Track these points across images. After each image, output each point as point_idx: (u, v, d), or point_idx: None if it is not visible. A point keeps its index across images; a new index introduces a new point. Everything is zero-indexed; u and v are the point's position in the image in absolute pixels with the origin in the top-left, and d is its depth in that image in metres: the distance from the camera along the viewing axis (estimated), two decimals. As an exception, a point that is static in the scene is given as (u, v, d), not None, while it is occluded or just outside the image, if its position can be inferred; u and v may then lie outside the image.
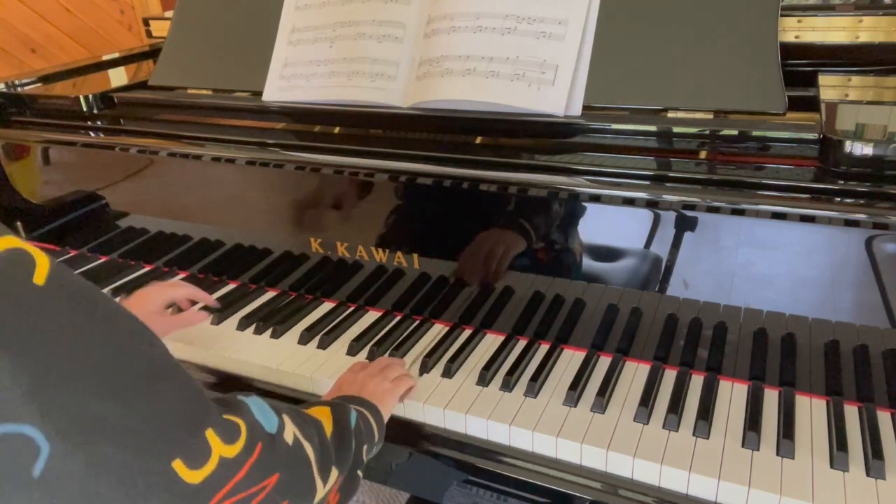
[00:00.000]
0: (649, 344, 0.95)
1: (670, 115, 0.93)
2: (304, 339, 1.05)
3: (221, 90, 1.23)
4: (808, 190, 0.80)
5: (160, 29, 1.60)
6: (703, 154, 0.90)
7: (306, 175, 1.06)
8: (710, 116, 0.91)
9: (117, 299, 1.12)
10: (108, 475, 0.46)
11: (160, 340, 0.53)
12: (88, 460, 0.45)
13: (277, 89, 1.14)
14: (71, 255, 1.35)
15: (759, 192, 0.81)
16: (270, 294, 1.18)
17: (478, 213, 0.97)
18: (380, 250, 1.06)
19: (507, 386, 0.92)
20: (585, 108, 0.96)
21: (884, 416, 0.84)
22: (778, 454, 0.79)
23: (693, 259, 0.87)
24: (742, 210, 0.81)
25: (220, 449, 0.53)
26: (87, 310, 0.49)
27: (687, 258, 0.87)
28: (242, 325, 1.09)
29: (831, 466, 0.77)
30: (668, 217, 0.86)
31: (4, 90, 1.33)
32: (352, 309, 1.12)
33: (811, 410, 0.85)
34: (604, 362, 0.96)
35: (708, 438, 0.82)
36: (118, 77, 1.48)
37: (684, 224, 0.85)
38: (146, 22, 1.64)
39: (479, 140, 1.01)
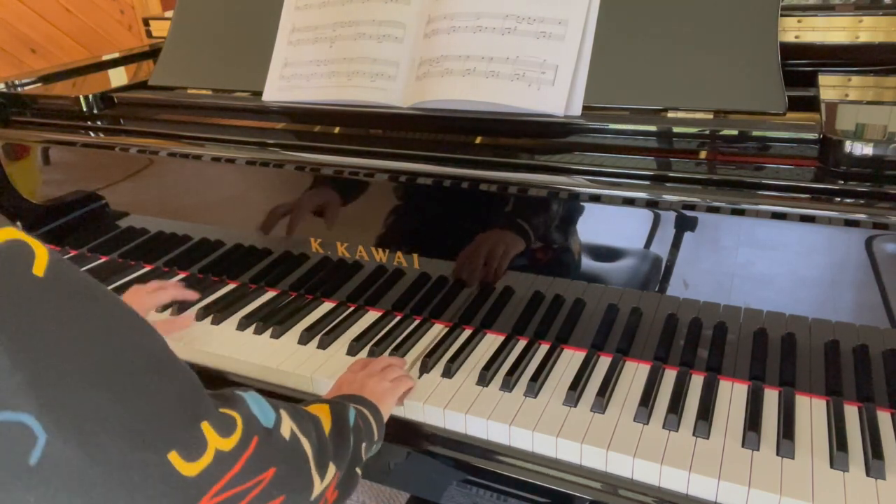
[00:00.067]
0: (649, 344, 0.95)
1: (670, 115, 0.93)
2: (304, 339, 1.05)
3: (221, 90, 1.23)
4: (808, 190, 0.80)
5: (160, 29, 1.60)
6: (703, 154, 0.90)
7: (306, 175, 1.06)
8: (710, 116, 0.91)
9: None
10: (103, 465, 0.47)
11: (158, 333, 0.54)
12: (84, 450, 0.46)
13: (277, 89, 1.14)
14: (71, 255, 1.35)
15: (759, 192, 0.81)
16: (270, 294, 1.18)
17: (478, 214, 0.97)
18: (380, 250, 1.06)
19: (507, 386, 0.92)
20: (585, 108, 0.96)
21: (884, 416, 0.84)
22: (778, 454, 0.79)
23: (693, 259, 0.87)
24: (742, 210, 0.81)
25: (216, 442, 0.53)
26: (86, 301, 0.49)
27: (687, 258, 0.87)
28: (242, 325, 1.09)
29: (831, 466, 0.77)
30: (668, 217, 0.86)
31: (4, 90, 1.33)
32: (352, 309, 1.12)
33: (811, 410, 0.85)
34: (604, 362, 0.96)
35: (708, 438, 0.82)
36: (118, 77, 1.48)
37: (684, 224, 0.85)
38: (146, 22, 1.64)
39: (479, 140, 1.01)
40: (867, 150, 0.78)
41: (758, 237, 0.82)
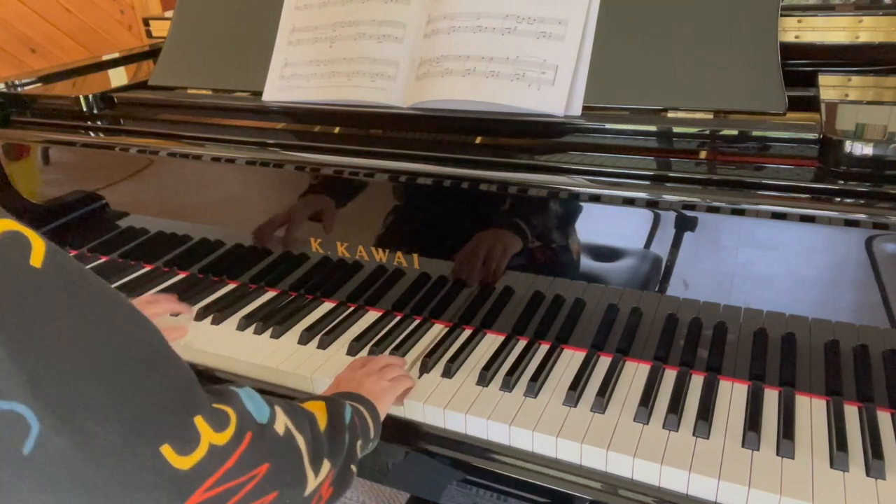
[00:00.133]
0: (649, 344, 0.95)
1: (670, 115, 0.93)
2: (304, 339, 1.05)
3: (221, 90, 1.23)
4: (808, 190, 0.80)
5: (160, 29, 1.60)
6: (703, 154, 0.90)
7: (306, 175, 1.06)
8: (710, 116, 0.91)
9: None
10: (96, 456, 0.47)
11: (155, 327, 0.54)
12: (78, 441, 0.46)
13: (277, 89, 1.14)
14: (71, 255, 1.34)
15: (759, 192, 0.81)
16: (270, 294, 1.18)
17: (477, 213, 0.97)
18: (380, 250, 1.06)
19: (507, 386, 0.92)
20: (585, 108, 0.96)
21: (884, 416, 0.84)
22: (778, 454, 0.79)
23: (693, 259, 0.87)
24: (742, 210, 0.81)
25: (210, 436, 0.53)
26: (83, 293, 0.49)
27: (687, 258, 0.87)
28: (242, 325, 1.09)
29: (831, 466, 0.77)
30: (668, 217, 0.86)
31: (4, 90, 1.33)
32: (352, 309, 1.12)
33: (811, 410, 0.85)
34: (604, 362, 0.96)
35: (708, 438, 0.82)
36: (118, 77, 1.48)
37: (684, 224, 0.85)
38: (146, 22, 1.64)
39: (478, 140, 1.01)
40: (867, 150, 0.78)
41: (758, 237, 0.82)
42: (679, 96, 0.93)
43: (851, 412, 0.84)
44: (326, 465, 0.66)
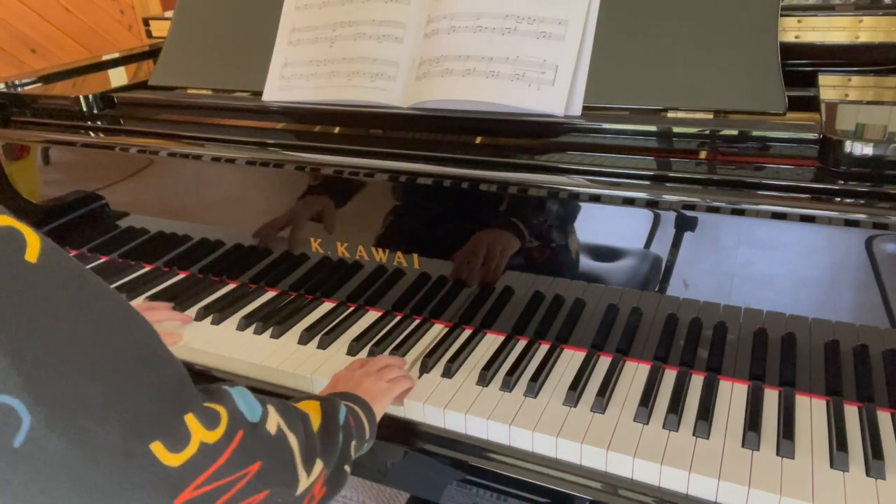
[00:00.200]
0: (649, 344, 0.95)
1: (670, 115, 0.93)
2: (304, 339, 1.05)
3: (221, 90, 1.23)
4: (808, 190, 0.80)
5: (160, 29, 1.60)
6: (703, 154, 0.90)
7: (306, 175, 1.06)
8: (710, 116, 0.91)
9: None
10: (86, 451, 0.47)
11: (151, 326, 0.54)
12: (68, 435, 0.46)
13: (277, 89, 1.14)
14: (71, 255, 1.34)
15: (759, 192, 0.81)
16: (270, 294, 1.18)
17: (477, 213, 0.97)
18: (380, 250, 1.06)
19: (507, 386, 0.92)
20: (585, 108, 0.96)
21: (884, 416, 0.84)
22: (778, 454, 0.79)
23: (693, 259, 0.87)
24: (742, 210, 0.81)
25: (201, 434, 0.53)
26: (78, 289, 0.50)
27: (687, 258, 0.87)
28: (242, 326, 1.09)
29: (831, 466, 0.77)
30: (668, 217, 0.86)
31: (4, 90, 1.33)
32: (352, 309, 1.12)
33: (811, 410, 0.85)
34: (604, 362, 0.96)
35: (708, 438, 0.82)
36: (118, 77, 1.48)
37: (684, 224, 0.85)
38: (146, 22, 1.64)
39: (479, 140, 1.01)
40: (867, 150, 0.78)
41: (758, 237, 0.82)
42: (679, 96, 0.93)
43: (851, 412, 0.84)
44: (319, 465, 0.66)
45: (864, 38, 1.01)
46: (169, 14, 1.38)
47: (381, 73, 1.06)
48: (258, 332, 1.08)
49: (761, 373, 0.89)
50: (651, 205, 0.86)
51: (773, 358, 0.88)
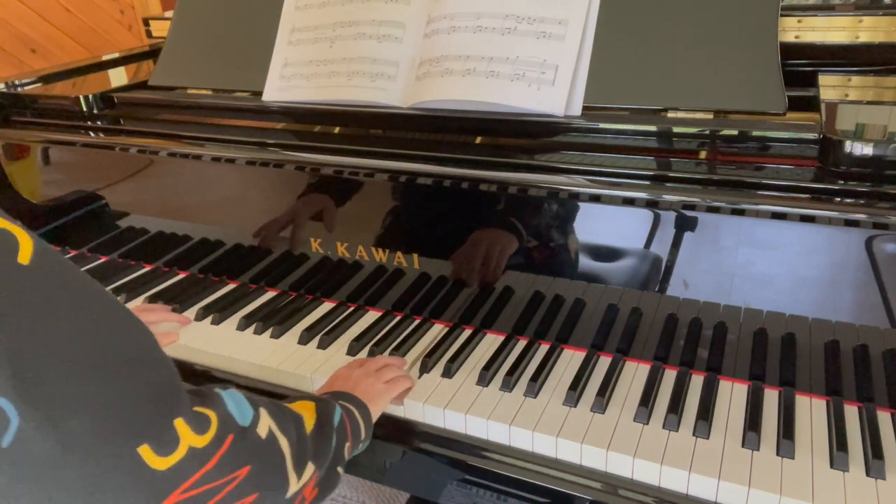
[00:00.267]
0: (649, 344, 0.95)
1: (670, 115, 0.93)
2: (304, 339, 1.05)
3: (221, 90, 1.23)
4: (808, 190, 0.80)
5: (160, 29, 1.60)
6: (703, 154, 0.90)
7: (306, 175, 1.06)
8: (710, 116, 0.91)
9: None
10: (74, 453, 0.47)
11: (145, 328, 0.54)
12: (56, 436, 0.46)
13: (277, 89, 1.14)
14: (71, 255, 1.35)
15: (759, 192, 0.81)
16: (270, 294, 1.18)
17: (477, 214, 0.97)
18: (380, 250, 1.06)
19: (507, 386, 0.92)
20: (585, 108, 0.96)
21: (884, 416, 0.84)
22: (778, 454, 0.79)
23: (693, 259, 0.87)
24: (742, 210, 0.81)
25: (190, 439, 0.53)
26: (71, 291, 0.50)
27: (687, 258, 0.87)
28: (242, 326, 1.09)
29: (831, 466, 0.77)
30: (668, 217, 0.86)
31: (4, 90, 1.33)
32: (352, 309, 1.12)
33: (811, 410, 0.85)
34: (604, 362, 0.96)
35: (708, 438, 0.82)
36: (118, 77, 1.48)
37: (684, 224, 0.85)
38: (146, 22, 1.64)
39: (478, 140, 1.01)
40: (867, 150, 0.78)
41: (758, 237, 0.82)
42: (679, 96, 0.93)
43: (851, 412, 0.84)
44: (310, 468, 0.66)
45: (864, 38, 1.01)
46: (169, 14, 1.38)
47: (381, 73, 1.06)
48: (258, 332, 1.08)
49: (761, 373, 0.89)
50: (651, 205, 0.86)
51: (773, 358, 0.88)
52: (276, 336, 1.07)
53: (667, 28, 0.95)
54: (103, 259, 1.33)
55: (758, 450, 0.80)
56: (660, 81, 0.94)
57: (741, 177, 0.83)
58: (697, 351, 0.92)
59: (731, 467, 0.77)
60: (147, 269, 1.29)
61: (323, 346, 1.04)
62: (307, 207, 1.09)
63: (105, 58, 1.56)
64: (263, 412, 0.63)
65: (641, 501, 0.80)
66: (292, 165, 1.06)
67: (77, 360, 0.48)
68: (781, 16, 0.93)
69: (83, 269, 1.29)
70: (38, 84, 1.39)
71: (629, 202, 0.86)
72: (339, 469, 0.74)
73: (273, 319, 1.10)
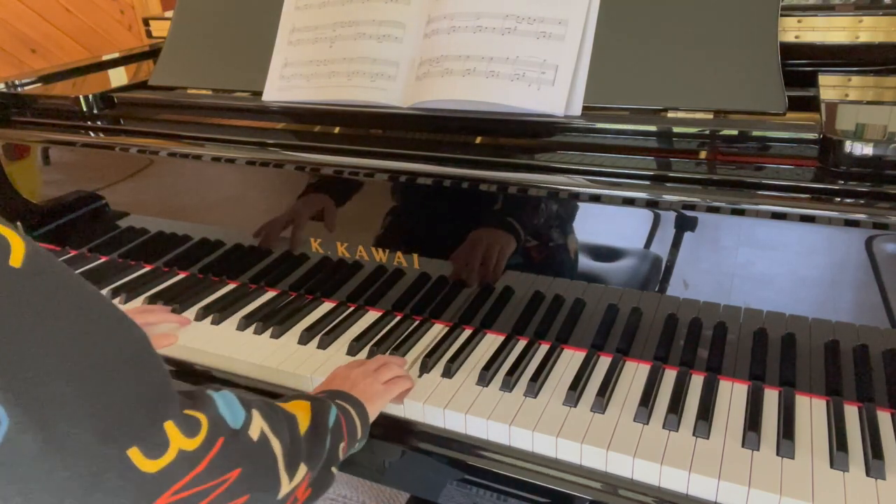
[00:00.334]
0: (649, 344, 0.95)
1: (670, 115, 0.93)
2: (304, 339, 1.05)
3: (221, 90, 1.23)
4: (808, 190, 0.80)
5: (160, 29, 1.60)
6: (703, 154, 0.90)
7: (306, 175, 1.06)
8: (710, 116, 0.91)
9: None
10: (63, 454, 0.47)
11: (140, 330, 0.55)
12: (46, 438, 0.46)
13: (277, 89, 1.14)
14: (71, 255, 1.35)
15: (759, 192, 0.81)
16: (270, 294, 1.18)
17: (477, 213, 0.97)
18: (380, 250, 1.06)
19: (508, 386, 0.92)
20: (585, 108, 0.96)
21: (884, 416, 0.84)
22: (778, 454, 0.79)
23: (693, 259, 0.87)
24: (742, 210, 0.81)
25: (180, 442, 0.53)
26: (63, 294, 0.50)
27: (687, 258, 0.87)
28: (242, 325, 1.09)
29: (831, 466, 0.77)
30: (668, 217, 0.86)
31: (4, 90, 1.33)
32: (352, 309, 1.12)
33: (811, 410, 0.85)
34: (604, 362, 0.96)
35: (708, 438, 0.82)
36: (118, 77, 1.48)
37: (684, 224, 0.85)
38: (146, 22, 1.64)
39: (478, 140, 1.01)
40: (867, 150, 0.78)
41: (758, 237, 0.82)
42: (679, 96, 0.93)
43: (851, 412, 0.84)
44: (303, 469, 0.66)
45: (864, 38, 1.01)
46: (169, 14, 1.38)
47: (381, 73, 1.06)
48: (258, 332, 1.08)
49: (761, 373, 0.89)
50: (651, 205, 0.86)
51: (773, 358, 0.88)
52: (276, 336, 1.07)
53: (667, 28, 0.95)
54: (103, 259, 1.33)
55: (758, 450, 0.80)
56: (660, 81, 0.94)
57: (741, 177, 0.83)
58: (697, 351, 0.92)
59: (731, 467, 0.77)
60: (147, 269, 1.29)
61: (323, 346, 1.04)
62: (307, 207, 1.09)
63: (105, 58, 1.56)
64: (256, 414, 0.62)
65: (641, 501, 0.80)
66: (292, 165, 1.06)
67: (68, 362, 0.48)
68: (781, 16, 0.93)
69: (83, 269, 1.30)
70: (38, 84, 1.39)
71: (629, 202, 0.86)
72: (333, 469, 0.74)
73: (273, 319, 1.10)
